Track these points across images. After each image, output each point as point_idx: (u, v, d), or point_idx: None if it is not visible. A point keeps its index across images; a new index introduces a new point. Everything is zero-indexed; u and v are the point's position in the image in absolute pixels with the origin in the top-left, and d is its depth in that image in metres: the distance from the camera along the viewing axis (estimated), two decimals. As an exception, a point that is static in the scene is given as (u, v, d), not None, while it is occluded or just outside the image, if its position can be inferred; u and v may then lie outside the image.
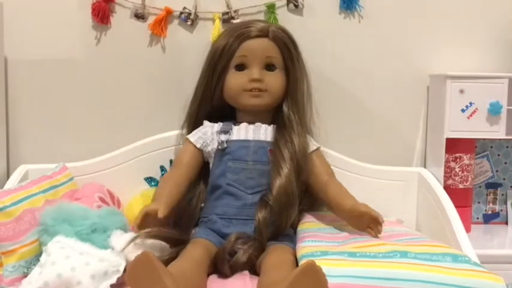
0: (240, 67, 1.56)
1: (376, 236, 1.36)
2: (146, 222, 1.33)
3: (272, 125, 1.58)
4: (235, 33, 1.56)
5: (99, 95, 1.79)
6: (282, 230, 1.43)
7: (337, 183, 1.55)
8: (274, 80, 1.57)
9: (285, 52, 1.58)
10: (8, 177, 1.69)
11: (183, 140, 1.63)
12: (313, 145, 1.60)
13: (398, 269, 1.19)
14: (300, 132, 1.55)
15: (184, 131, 1.64)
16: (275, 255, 1.32)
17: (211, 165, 1.57)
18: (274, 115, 1.60)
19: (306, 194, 1.58)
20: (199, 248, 1.33)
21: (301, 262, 1.25)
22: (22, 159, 1.76)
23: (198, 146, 1.57)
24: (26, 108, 1.78)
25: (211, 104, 1.60)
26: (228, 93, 1.58)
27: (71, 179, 1.64)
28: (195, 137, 1.58)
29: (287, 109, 1.58)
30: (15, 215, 1.37)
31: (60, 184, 1.57)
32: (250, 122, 1.58)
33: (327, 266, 1.19)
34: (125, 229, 1.39)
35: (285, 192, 1.43)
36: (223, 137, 1.54)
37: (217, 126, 1.58)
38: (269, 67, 1.57)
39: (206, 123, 1.60)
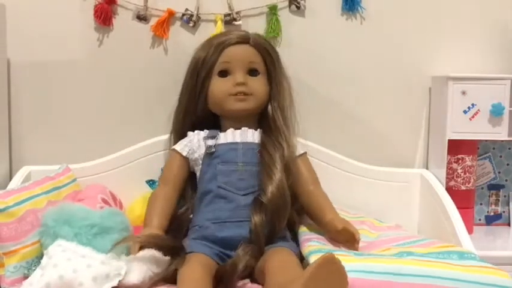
0: (223, 73, 1.56)
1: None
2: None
3: (258, 130, 1.57)
4: (215, 42, 1.57)
5: (102, 96, 1.80)
6: (277, 233, 1.42)
7: (321, 193, 1.53)
8: (258, 85, 1.57)
9: (267, 57, 1.59)
10: (10, 178, 1.69)
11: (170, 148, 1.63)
12: (299, 149, 1.58)
13: (408, 264, 1.20)
14: (286, 135, 1.54)
15: (171, 142, 1.64)
16: (278, 258, 1.31)
17: (198, 173, 1.55)
18: (259, 121, 1.60)
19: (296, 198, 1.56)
20: (198, 269, 1.28)
21: (310, 258, 1.26)
22: (24, 160, 1.76)
23: (184, 154, 1.56)
24: (29, 110, 1.78)
25: (196, 114, 1.60)
26: (212, 100, 1.57)
27: (74, 180, 1.64)
28: (180, 145, 1.58)
29: (272, 113, 1.58)
30: (17, 215, 1.37)
31: (63, 185, 1.57)
32: (236, 128, 1.57)
33: None
34: (126, 230, 1.39)
35: (279, 195, 1.42)
36: (211, 142, 1.53)
37: (203, 133, 1.58)
38: (252, 72, 1.58)
39: (190, 133, 1.59)
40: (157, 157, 1.75)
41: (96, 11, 1.74)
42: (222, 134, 1.55)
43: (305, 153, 1.59)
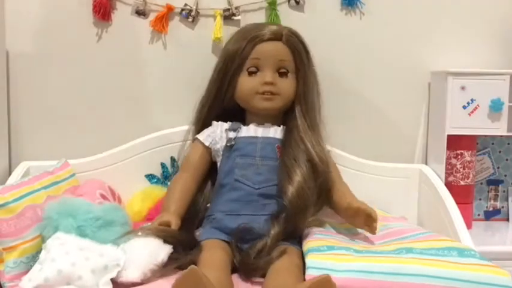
0: (253, 70, 1.56)
1: (373, 233, 1.36)
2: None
3: (282, 126, 1.57)
4: (249, 37, 1.56)
5: (100, 91, 1.79)
6: (295, 234, 1.41)
7: (343, 185, 1.54)
8: (286, 84, 1.56)
9: (297, 56, 1.58)
10: (9, 174, 1.69)
11: (192, 137, 1.64)
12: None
13: (405, 264, 1.19)
14: (311, 135, 1.53)
15: (192, 131, 1.65)
16: (283, 260, 1.30)
17: (219, 164, 1.56)
18: (283, 118, 1.60)
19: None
20: (219, 252, 1.32)
21: (308, 256, 1.25)
22: (23, 156, 1.76)
23: (207, 144, 1.57)
24: (28, 105, 1.78)
25: (222, 105, 1.60)
26: (239, 96, 1.57)
27: (73, 175, 1.64)
28: (203, 135, 1.59)
29: (297, 112, 1.57)
30: (17, 211, 1.37)
31: (61, 180, 1.57)
32: (260, 124, 1.57)
33: (333, 261, 1.20)
34: (127, 224, 1.40)
35: (299, 197, 1.41)
36: (232, 134, 1.54)
37: (226, 124, 1.58)
38: (281, 70, 1.57)
39: (214, 123, 1.60)
40: (156, 152, 1.75)
41: (95, 6, 1.74)
42: (244, 128, 1.56)
43: (328, 151, 1.59)
